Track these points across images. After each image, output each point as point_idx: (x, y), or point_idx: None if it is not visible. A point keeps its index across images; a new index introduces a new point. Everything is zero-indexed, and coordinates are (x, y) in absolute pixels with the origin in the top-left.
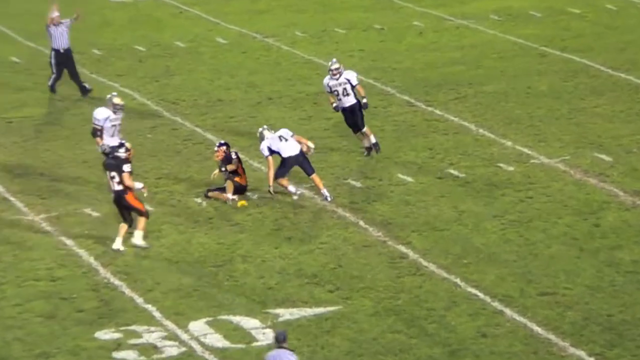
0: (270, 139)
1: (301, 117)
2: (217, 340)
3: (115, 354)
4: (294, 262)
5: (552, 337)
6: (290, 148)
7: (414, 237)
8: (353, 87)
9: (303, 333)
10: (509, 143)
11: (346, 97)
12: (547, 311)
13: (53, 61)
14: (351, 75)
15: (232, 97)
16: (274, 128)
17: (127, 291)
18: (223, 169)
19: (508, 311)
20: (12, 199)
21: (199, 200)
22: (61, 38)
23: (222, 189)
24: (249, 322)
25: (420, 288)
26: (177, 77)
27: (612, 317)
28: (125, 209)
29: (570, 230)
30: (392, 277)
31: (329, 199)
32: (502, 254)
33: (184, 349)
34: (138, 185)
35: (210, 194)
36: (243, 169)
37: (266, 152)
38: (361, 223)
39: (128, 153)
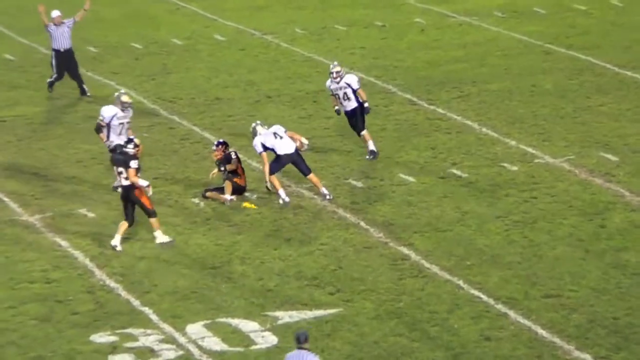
0: (264, 135)
1: (301, 115)
2: (215, 343)
3: (111, 358)
4: (294, 263)
5: (556, 340)
6: (285, 146)
7: (416, 238)
8: (354, 91)
9: None
10: (513, 142)
11: (347, 102)
12: (551, 314)
13: (53, 62)
14: (352, 80)
15: (230, 96)
16: (267, 124)
17: (123, 293)
18: (222, 168)
19: (512, 314)
20: (5, 199)
21: (196, 200)
22: (62, 38)
23: (220, 189)
24: (247, 325)
25: (423, 290)
26: (174, 75)
27: (618, 320)
28: (131, 205)
29: (575, 231)
30: (394, 279)
31: (329, 197)
32: (505, 256)
33: (181, 352)
34: (143, 182)
35: (208, 194)
36: (242, 169)
37: (259, 149)
38: (362, 224)
39: (137, 149)
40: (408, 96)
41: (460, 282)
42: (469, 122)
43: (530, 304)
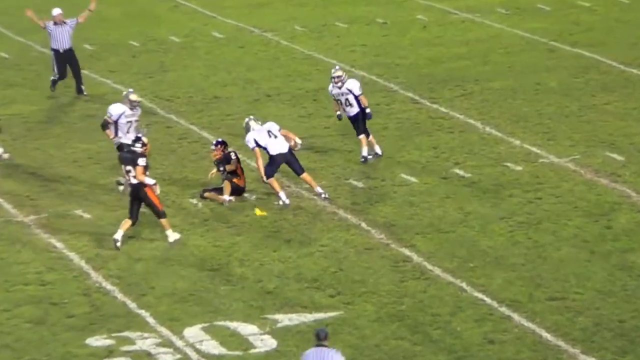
0: (258, 132)
1: (301, 114)
2: (213, 347)
3: None
4: (293, 265)
5: (561, 343)
6: (278, 145)
7: (418, 239)
8: (356, 97)
9: (303, 339)
10: (517, 142)
11: (349, 108)
12: (556, 316)
13: (54, 62)
14: (353, 85)
15: (229, 94)
16: (263, 121)
17: (120, 296)
18: (221, 168)
19: (516, 316)
20: (0, 199)
21: (194, 201)
22: (62, 38)
23: (219, 190)
24: (246, 328)
25: (425, 293)
26: (171, 73)
27: (624, 322)
28: (137, 204)
29: (580, 232)
30: (396, 281)
31: (324, 196)
32: (509, 257)
33: (178, 356)
34: (150, 180)
35: (206, 194)
36: (242, 170)
37: (252, 144)
38: (363, 225)
39: (144, 148)
40: (410, 94)
41: (463, 284)
42: (472, 121)
43: (534, 306)
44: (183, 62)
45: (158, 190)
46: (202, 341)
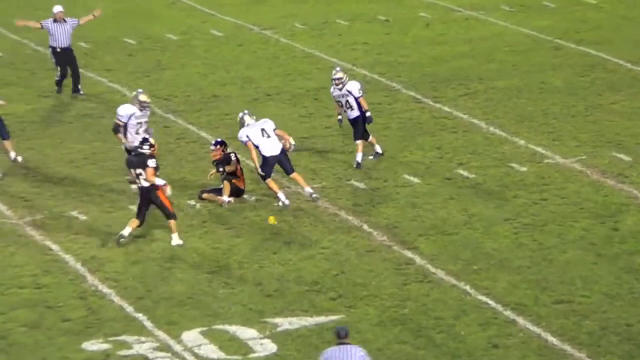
0: (252, 128)
1: (301, 114)
2: (211, 351)
3: None
4: (294, 268)
5: (567, 348)
6: (271, 147)
7: (421, 241)
8: (356, 99)
9: (303, 344)
10: (522, 142)
11: (350, 110)
12: (562, 320)
13: (53, 60)
14: (353, 87)
15: (228, 93)
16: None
17: (117, 299)
18: (221, 169)
19: (521, 320)
20: None
21: (192, 202)
22: (61, 37)
23: (217, 191)
24: (245, 332)
25: (428, 296)
26: (169, 72)
27: (631, 326)
28: (146, 205)
29: (587, 234)
30: (398, 284)
31: (314, 196)
32: (514, 260)
33: None
34: (160, 181)
35: (204, 195)
36: (242, 171)
37: (245, 139)
38: (365, 227)
39: (152, 149)
40: (412, 94)
41: (467, 288)
42: (475, 121)
43: (540, 310)
44: (180, 61)
45: (169, 191)
46: (200, 345)
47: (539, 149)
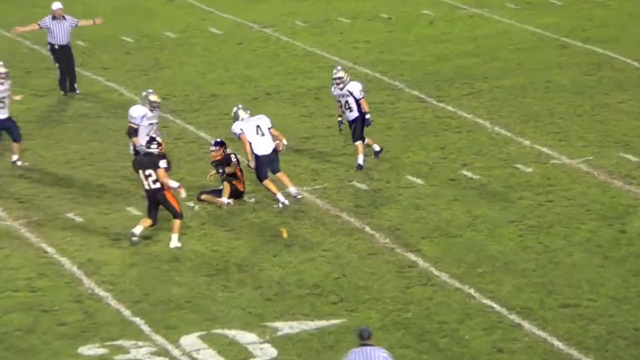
0: (246, 123)
1: (302, 113)
2: (210, 355)
3: None
4: (294, 271)
5: (574, 352)
6: (264, 145)
7: (424, 244)
8: (357, 100)
9: (304, 348)
10: (527, 142)
11: (349, 112)
12: (568, 324)
13: (52, 58)
14: (354, 87)
15: (227, 92)
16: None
17: (113, 303)
18: (221, 170)
19: (526, 324)
20: None
21: (191, 204)
22: (60, 34)
23: (216, 192)
24: (245, 337)
25: (431, 299)
26: (167, 71)
27: (639, 330)
28: (156, 206)
29: (593, 236)
30: (401, 287)
31: (298, 197)
32: (519, 263)
33: None
34: (174, 183)
35: (203, 197)
36: (242, 172)
37: (238, 131)
38: (367, 229)
39: (160, 148)
40: (416, 93)
41: (472, 291)
42: (480, 121)
43: (545, 314)
44: (179, 59)
45: (184, 193)
46: (199, 350)
47: (545, 150)
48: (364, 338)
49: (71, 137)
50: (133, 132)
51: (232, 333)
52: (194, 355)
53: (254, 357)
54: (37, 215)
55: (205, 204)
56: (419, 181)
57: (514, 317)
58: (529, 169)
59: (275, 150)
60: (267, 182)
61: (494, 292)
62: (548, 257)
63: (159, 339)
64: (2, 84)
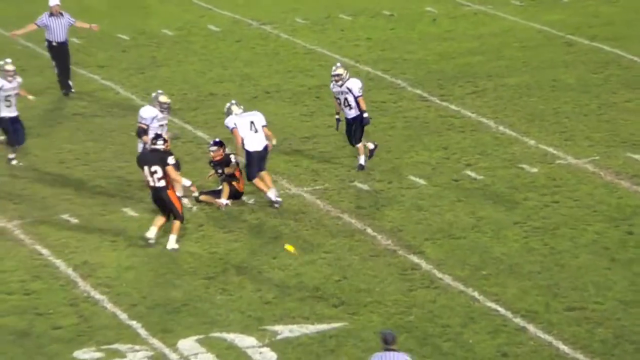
0: (240, 118)
1: (302, 112)
2: None
3: None
4: (294, 273)
5: (580, 356)
6: (257, 142)
7: (427, 246)
8: (355, 98)
9: (304, 352)
10: (533, 142)
11: (347, 109)
12: (574, 328)
13: (49, 55)
14: (354, 85)
15: (225, 91)
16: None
17: (109, 306)
18: (220, 171)
19: (532, 328)
20: None
21: (189, 205)
22: (57, 29)
23: (215, 193)
24: (244, 340)
25: (434, 302)
26: (164, 69)
27: None
28: (163, 203)
29: (600, 238)
30: (403, 290)
31: (276, 204)
32: (524, 265)
33: None
34: (186, 181)
35: (201, 197)
36: (241, 172)
37: (231, 125)
38: (369, 230)
39: (166, 144)
40: (418, 91)
41: (475, 294)
42: (484, 120)
43: (551, 317)
44: (176, 57)
45: (196, 192)
46: (197, 354)
47: (551, 149)
48: (388, 342)
49: (66, 137)
50: (142, 132)
51: (230, 337)
52: (192, 359)
53: None
54: (31, 216)
55: (204, 204)
56: (421, 182)
57: (518, 320)
58: (534, 169)
59: (266, 148)
60: (257, 181)
61: (498, 295)
62: (554, 259)
63: (156, 342)
64: (10, 81)
